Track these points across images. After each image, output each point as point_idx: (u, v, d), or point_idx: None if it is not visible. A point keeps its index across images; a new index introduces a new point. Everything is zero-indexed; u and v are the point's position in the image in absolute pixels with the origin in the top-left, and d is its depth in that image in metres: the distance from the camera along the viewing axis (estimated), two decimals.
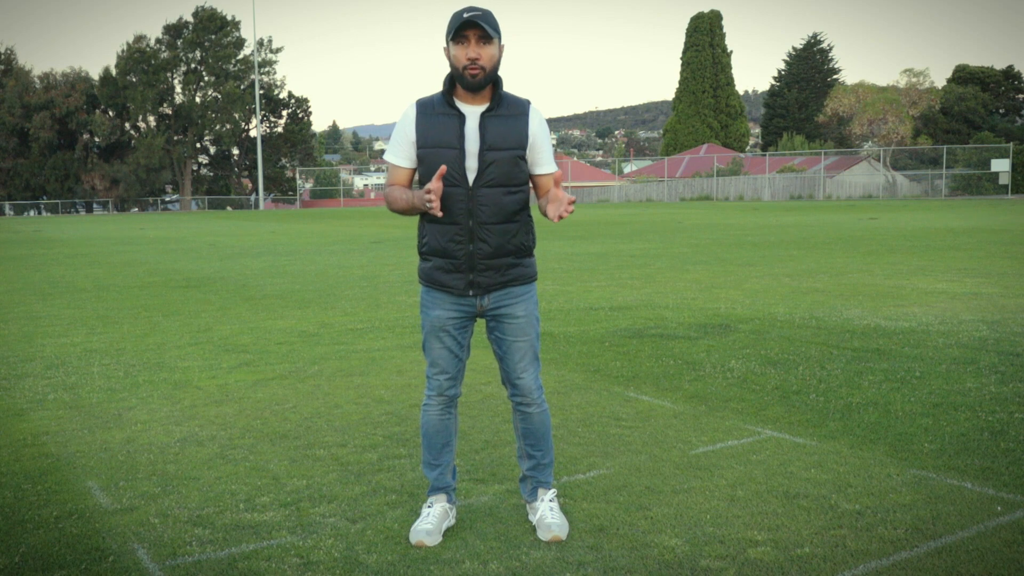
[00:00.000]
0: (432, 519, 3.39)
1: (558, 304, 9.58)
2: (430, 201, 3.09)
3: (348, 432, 4.86)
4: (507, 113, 3.27)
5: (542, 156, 3.34)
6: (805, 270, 12.59)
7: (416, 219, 3.47)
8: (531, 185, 3.42)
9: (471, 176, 3.23)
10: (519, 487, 3.66)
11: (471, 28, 3.14)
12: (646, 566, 3.11)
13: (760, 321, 8.15)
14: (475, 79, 3.17)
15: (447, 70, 3.28)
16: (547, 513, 3.41)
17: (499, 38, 3.21)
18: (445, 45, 3.25)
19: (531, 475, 3.54)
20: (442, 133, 3.23)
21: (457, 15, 3.17)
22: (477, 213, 3.24)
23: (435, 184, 3.10)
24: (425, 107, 3.30)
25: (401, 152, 3.35)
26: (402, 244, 20.05)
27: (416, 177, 3.40)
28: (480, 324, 3.52)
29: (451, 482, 3.54)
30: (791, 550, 3.21)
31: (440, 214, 3.15)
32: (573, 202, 3.15)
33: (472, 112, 3.26)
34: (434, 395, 3.48)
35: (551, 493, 3.49)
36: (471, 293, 3.33)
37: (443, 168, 3.12)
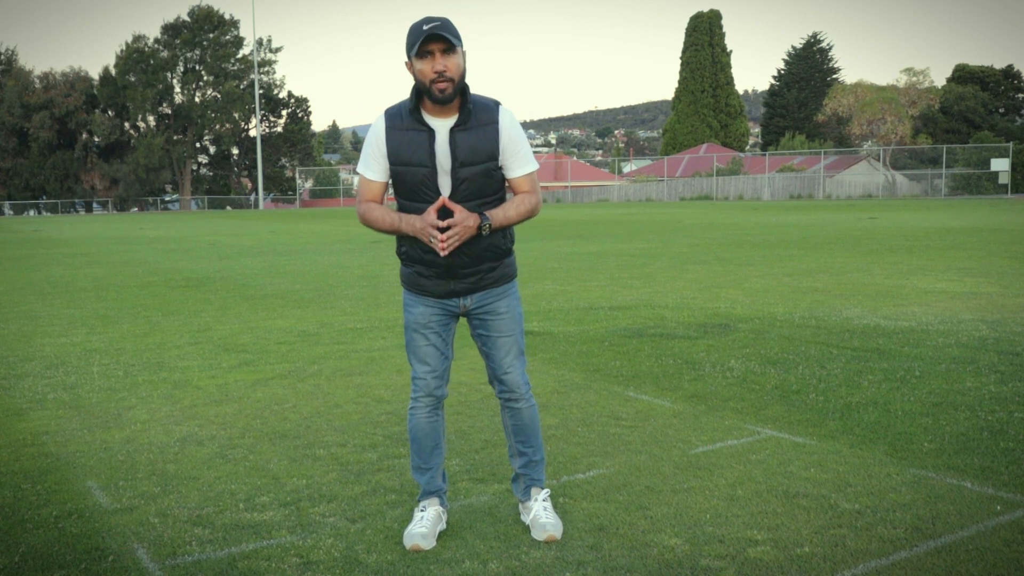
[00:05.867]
0: (427, 522, 3.37)
1: (558, 304, 9.58)
2: (435, 238, 3.14)
3: (348, 432, 4.86)
4: (476, 124, 3.20)
5: (515, 158, 3.27)
6: (805, 270, 12.59)
7: None
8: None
9: (445, 192, 3.20)
10: (511, 487, 3.67)
11: (434, 42, 3.07)
12: (646, 566, 3.11)
13: (760, 321, 8.15)
14: (444, 93, 3.10)
15: None
16: (541, 513, 3.41)
17: (461, 45, 3.14)
18: (407, 60, 3.16)
19: (524, 472, 3.53)
20: (413, 151, 3.18)
21: (416, 28, 3.08)
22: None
23: (439, 223, 3.14)
24: (394, 119, 3.24)
25: (375, 165, 3.29)
26: None
27: (391, 190, 3.38)
28: (464, 326, 3.52)
29: (443, 485, 3.53)
30: (791, 549, 3.21)
31: (445, 253, 3.18)
32: (451, 237, 3.14)
33: (441, 126, 3.19)
34: (421, 396, 3.46)
35: (544, 493, 3.49)
36: (453, 297, 3.36)
37: (443, 199, 3.16)
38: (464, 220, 3.14)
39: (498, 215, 3.23)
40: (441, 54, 3.08)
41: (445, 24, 3.07)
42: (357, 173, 3.39)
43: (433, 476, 3.51)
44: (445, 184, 3.20)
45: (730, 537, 3.33)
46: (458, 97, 3.17)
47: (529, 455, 3.53)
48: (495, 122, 3.22)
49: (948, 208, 34.49)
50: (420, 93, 3.18)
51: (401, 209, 3.29)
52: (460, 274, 3.30)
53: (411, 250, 3.32)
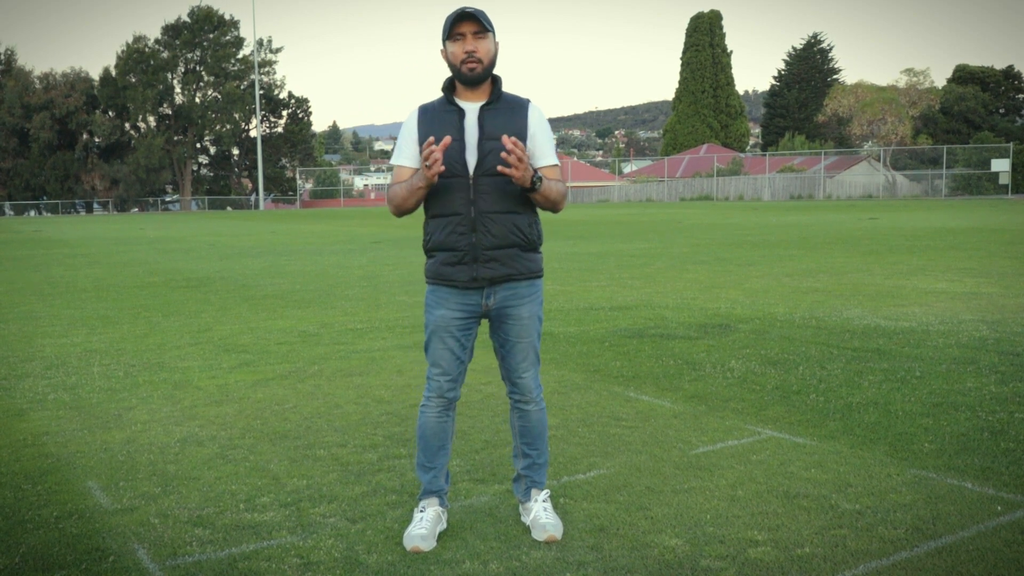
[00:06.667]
0: (426, 524, 3.37)
1: (558, 304, 9.57)
2: (428, 157, 3.09)
3: (348, 432, 4.86)
4: (506, 107, 3.32)
5: (543, 148, 3.36)
6: (805, 270, 12.59)
7: (421, 218, 3.48)
8: None
9: (471, 166, 3.26)
10: (512, 487, 3.67)
11: (466, 22, 3.21)
12: (646, 566, 3.11)
13: (760, 321, 8.15)
14: (473, 72, 3.23)
15: (447, 72, 3.33)
16: (541, 513, 3.41)
17: (494, 34, 3.27)
18: (442, 47, 3.30)
19: (526, 474, 3.54)
20: (443, 128, 3.26)
21: (451, 14, 3.24)
22: (479, 202, 3.26)
23: (438, 148, 3.11)
24: (427, 109, 3.37)
25: (407, 151, 3.37)
26: (402, 244, 20.05)
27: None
28: (483, 324, 3.52)
29: (444, 486, 3.54)
30: (791, 550, 3.21)
31: (443, 168, 3.14)
32: (514, 154, 3.08)
33: (471, 107, 3.30)
34: (433, 396, 3.48)
35: (544, 494, 3.50)
36: (475, 286, 3.33)
37: (447, 139, 3.14)
38: (526, 157, 3.14)
39: (544, 180, 3.25)
40: (472, 36, 3.22)
41: (478, 11, 3.22)
42: (392, 167, 3.45)
43: (436, 476, 3.51)
44: (472, 158, 3.26)
45: (731, 537, 3.33)
46: (489, 83, 3.31)
47: (533, 458, 3.54)
48: (524, 109, 3.34)
49: (948, 208, 34.49)
50: (453, 82, 3.31)
51: (430, 191, 3.31)
52: (483, 256, 3.30)
53: (436, 233, 3.34)
